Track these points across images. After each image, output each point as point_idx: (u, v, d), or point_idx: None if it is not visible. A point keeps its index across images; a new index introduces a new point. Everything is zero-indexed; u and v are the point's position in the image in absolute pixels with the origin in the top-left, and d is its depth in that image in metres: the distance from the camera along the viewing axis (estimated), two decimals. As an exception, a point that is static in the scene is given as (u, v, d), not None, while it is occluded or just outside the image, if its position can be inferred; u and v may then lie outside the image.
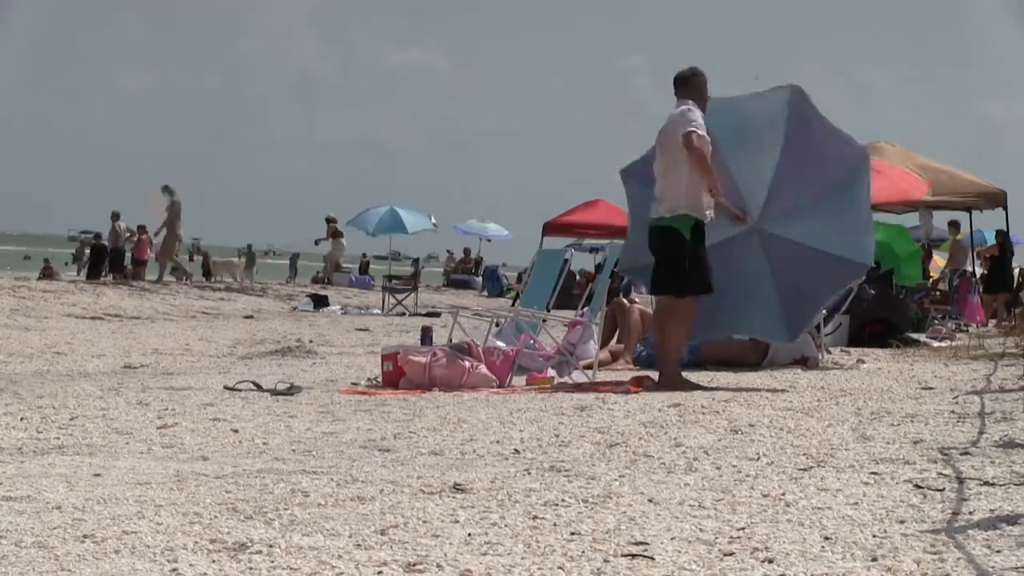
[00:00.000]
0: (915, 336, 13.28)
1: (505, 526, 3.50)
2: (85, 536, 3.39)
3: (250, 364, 10.39)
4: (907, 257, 17.69)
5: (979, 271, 20.46)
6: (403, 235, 27.65)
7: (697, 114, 7.94)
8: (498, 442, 5.37)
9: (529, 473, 4.46)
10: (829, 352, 10.81)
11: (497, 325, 10.02)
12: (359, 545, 3.27)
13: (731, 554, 3.13)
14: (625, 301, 10.90)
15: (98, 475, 4.45)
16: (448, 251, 42.66)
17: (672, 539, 3.31)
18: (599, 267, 22.29)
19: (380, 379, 8.24)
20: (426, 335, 9.28)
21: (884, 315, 13.30)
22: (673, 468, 4.56)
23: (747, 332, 9.29)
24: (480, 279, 35.41)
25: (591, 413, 6.36)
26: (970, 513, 3.62)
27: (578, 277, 26.57)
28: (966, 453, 4.76)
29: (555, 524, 3.52)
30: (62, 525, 3.53)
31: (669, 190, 7.97)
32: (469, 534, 3.39)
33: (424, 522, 3.56)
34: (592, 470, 4.51)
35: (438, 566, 3.04)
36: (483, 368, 8.06)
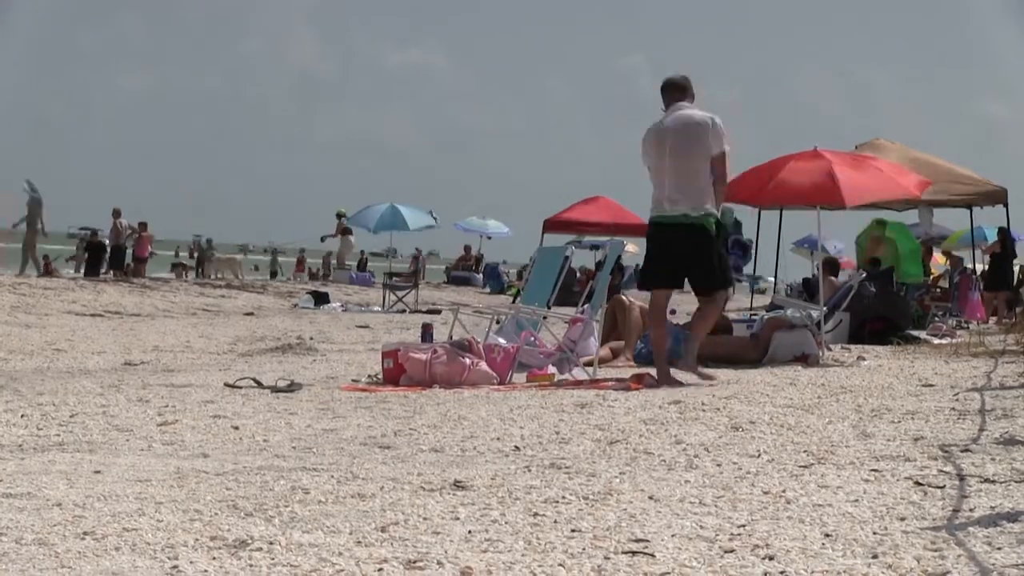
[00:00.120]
0: (916, 333, 13.28)
1: (505, 523, 3.50)
2: (85, 533, 3.39)
3: (250, 361, 10.39)
4: (908, 254, 17.70)
5: (979, 268, 20.46)
6: (404, 232, 27.63)
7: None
8: (499, 439, 5.37)
9: (529, 470, 4.46)
10: (830, 349, 10.81)
11: (498, 322, 10.03)
12: (359, 542, 3.27)
13: (732, 551, 3.13)
14: (625, 298, 10.91)
15: (98, 472, 4.44)
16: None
17: (673, 536, 3.31)
18: (599, 264, 22.30)
19: (381, 376, 8.24)
20: (427, 332, 9.29)
21: (885, 312, 13.30)
22: (674, 465, 4.56)
23: None
24: (481, 276, 35.42)
25: (591, 410, 6.36)
26: (971, 510, 3.62)
27: (579, 274, 26.57)
28: (967, 450, 4.76)
29: (555, 521, 3.52)
30: (62, 522, 3.53)
31: (691, 189, 8.02)
32: (469, 531, 3.39)
33: (424, 519, 3.56)
34: (593, 467, 4.51)
35: (438, 563, 3.04)
36: (484, 365, 8.05)
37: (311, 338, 13.20)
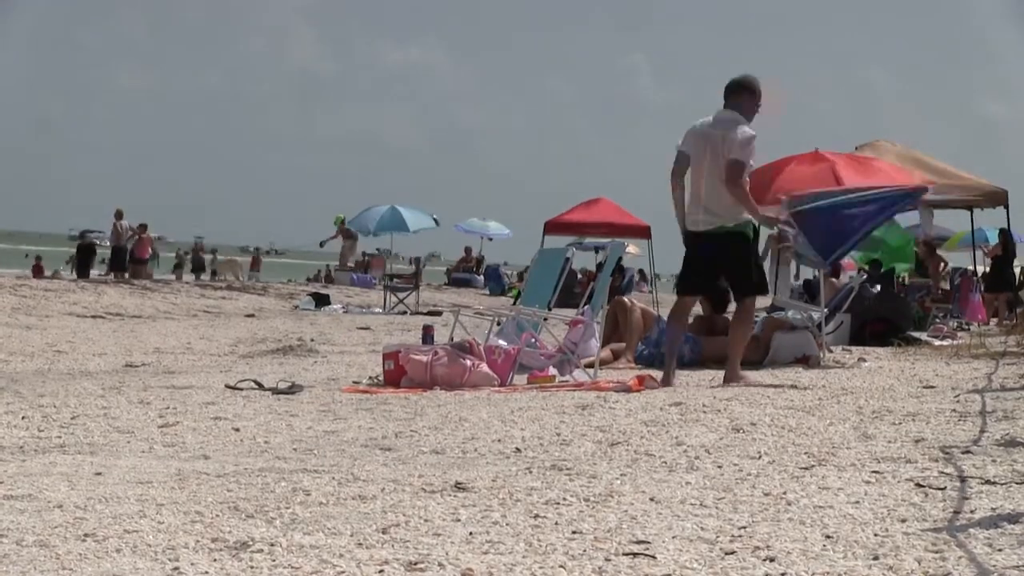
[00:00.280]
0: (916, 335, 13.28)
1: (506, 525, 3.50)
2: (86, 535, 3.39)
3: (251, 363, 10.39)
4: (898, 248, 17.73)
5: (980, 270, 20.45)
6: (405, 234, 27.65)
7: (755, 144, 8.08)
8: (499, 441, 5.37)
9: (530, 472, 4.46)
10: (830, 351, 10.81)
11: (498, 324, 10.02)
12: (360, 544, 3.27)
13: (732, 553, 3.13)
14: (627, 300, 10.91)
15: (99, 474, 4.45)
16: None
17: (673, 538, 3.31)
18: (600, 266, 22.29)
19: (381, 378, 8.24)
20: (427, 334, 9.28)
21: (886, 314, 13.31)
22: (675, 467, 4.56)
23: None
24: (481, 278, 35.43)
25: (592, 412, 6.36)
26: (971, 512, 3.62)
27: (579, 276, 26.58)
28: (968, 452, 4.76)
29: (556, 523, 3.52)
30: (63, 524, 3.53)
31: (728, 197, 8.02)
32: (470, 533, 3.39)
33: (425, 521, 3.56)
34: (593, 469, 4.51)
35: (439, 565, 3.04)
36: (484, 367, 8.05)
37: (312, 340, 13.20)
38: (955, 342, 12.44)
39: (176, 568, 3.03)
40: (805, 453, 4.84)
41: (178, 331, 14.97)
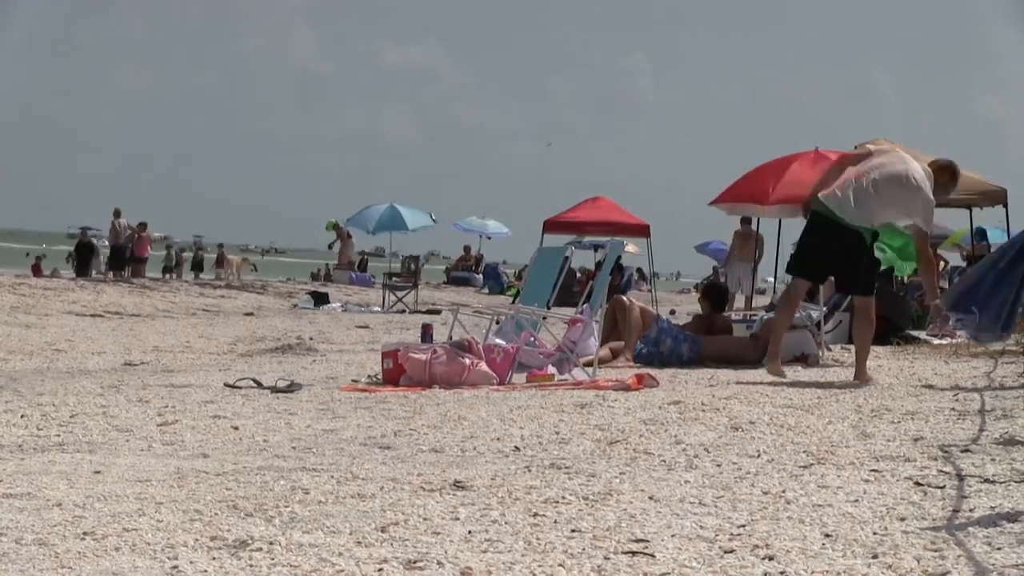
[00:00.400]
0: (916, 334, 13.27)
1: (505, 523, 3.50)
2: (85, 533, 3.39)
3: (250, 361, 10.38)
4: (900, 249, 17.70)
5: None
6: (403, 232, 27.65)
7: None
8: (498, 439, 5.37)
9: (529, 470, 4.46)
10: (829, 349, 10.82)
11: (497, 322, 10.02)
12: (359, 542, 3.27)
13: (731, 551, 3.13)
14: (626, 299, 10.90)
15: (98, 472, 4.44)
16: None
17: (672, 536, 3.31)
18: (599, 264, 22.29)
19: (380, 376, 8.24)
20: (426, 332, 9.28)
21: (885, 313, 13.28)
22: (673, 465, 4.56)
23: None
24: (480, 276, 35.42)
25: (591, 410, 6.36)
26: (970, 510, 3.62)
27: (579, 274, 26.58)
28: (966, 450, 4.76)
29: (555, 521, 3.52)
30: (62, 522, 3.53)
31: (871, 206, 8.09)
32: (469, 531, 3.39)
33: (424, 519, 3.56)
34: (592, 467, 4.51)
35: (438, 563, 3.04)
36: (483, 365, 8.05)
37: (311, 338, 13.20)
38: (954, 341, 12.43)
39: (175, 566, 3.03)
40: (804, 452, 4.84)
41: (177, 330, 14.97)
